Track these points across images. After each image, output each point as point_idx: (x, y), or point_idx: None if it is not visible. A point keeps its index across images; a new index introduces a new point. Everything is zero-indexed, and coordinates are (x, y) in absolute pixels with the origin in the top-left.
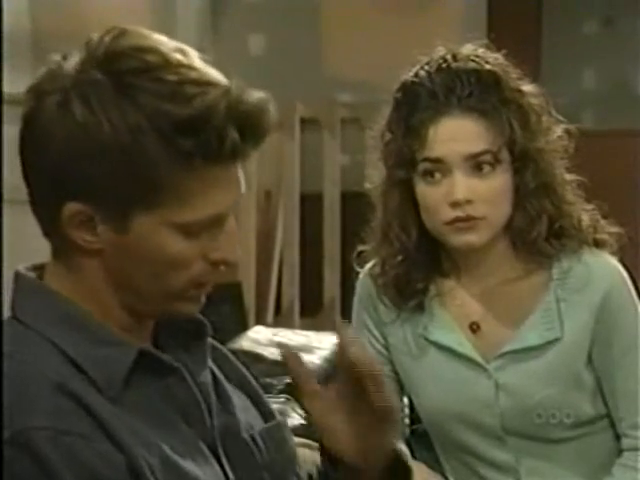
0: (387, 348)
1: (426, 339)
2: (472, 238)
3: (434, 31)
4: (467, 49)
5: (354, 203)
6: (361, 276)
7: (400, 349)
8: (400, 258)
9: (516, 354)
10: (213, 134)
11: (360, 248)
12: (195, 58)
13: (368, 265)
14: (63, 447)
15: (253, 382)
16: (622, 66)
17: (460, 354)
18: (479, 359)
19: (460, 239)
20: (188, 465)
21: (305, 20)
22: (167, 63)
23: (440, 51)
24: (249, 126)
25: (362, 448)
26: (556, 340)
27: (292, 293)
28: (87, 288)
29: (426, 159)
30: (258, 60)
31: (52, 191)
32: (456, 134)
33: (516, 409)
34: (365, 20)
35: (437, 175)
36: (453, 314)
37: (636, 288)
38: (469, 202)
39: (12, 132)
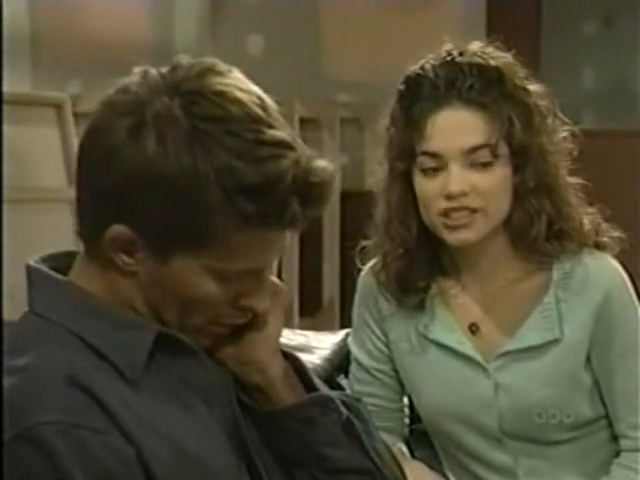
0: (388, 346)
1: (426, 338)
2: (467, 235)
3: (433, 31)
4: (475, 45)
5: (353, 203)
6: (363, 273)
7: (401, 346)
8: (401, 252)
9: (516, 354)
10: (276, 203)
11: (363, 244)
12: (274, 111)
13: (370, 263)
14: (74, 441)
15: None
16: (622, 66)
17: (460, 353)
18: (479, 359)
19: (455, 236)
20: (203, 449)
21: (304, 20)
22: (247, 117)
23: (447, 46)
24: (312, 198)
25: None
26: (556, 341)
27: (291, 293)
28: (117, 293)
29: (424, 153)
30: (257, 60)
31: (102, 209)
32: (454, 126)
33: (515, 409)
34: (364, 20)
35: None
36: (454, 314)
37: (636, 290)
38: (464, 194)
39: (12, 132)
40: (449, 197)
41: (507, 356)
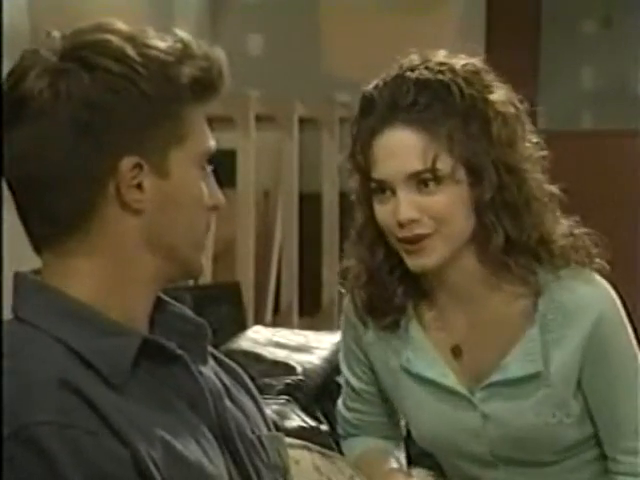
0: (372, 369)
1: (408, 372)
2: (426, 261)
3: (433, 31)
4: (438, 55)
5: (352, 202)
6: (345, 299)
7: (384, 377)
8: (365, 278)
9: (500, 386)
10: (197, 68)
11: (343, 265)
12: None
13: (349, 276)
14: (67, 441)
15: (256, 393)
16: (621, 66)
17: (444, 387)
18: (464, 391)
19: (413, 263)
20: (193, 453)
21: (304, 20)
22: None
23: (408, 58)
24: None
25: None
26: (538, 373)
27: (291, 293)
28: (120, 260)
29: (373, 179)
30: (257, 60)
31: (104, 153)
32: (395, 150)
33: (504, 437)
34: (364, 20)
35: (387, 192)
36: (434, 339)
37: (627, 303)
38: (415, 221)
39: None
40: (400, 225)
41: (492, 388)
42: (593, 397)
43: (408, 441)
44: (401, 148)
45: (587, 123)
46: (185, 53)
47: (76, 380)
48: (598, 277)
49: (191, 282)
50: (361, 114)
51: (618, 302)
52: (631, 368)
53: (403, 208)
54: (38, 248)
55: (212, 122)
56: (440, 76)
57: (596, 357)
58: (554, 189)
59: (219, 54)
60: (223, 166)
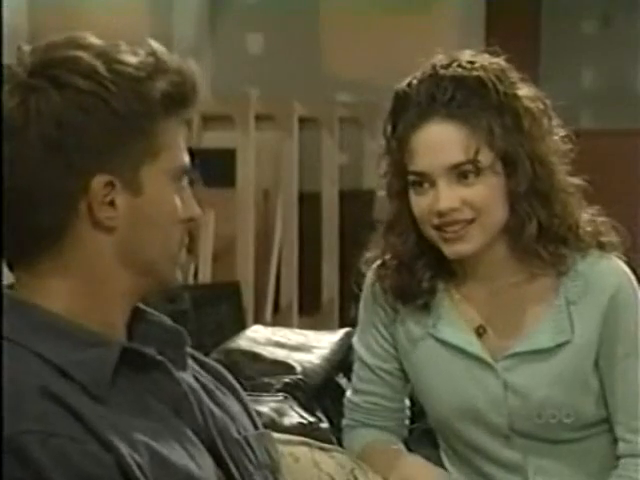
0: (394, 346)
1: (434, 337)
2: (463, 247)
3: (433, 31)
4: (465, 55)
5: (352, 202)
6: (368, 274)
7: (408, 347)
8: (396, 264)
9: (525, 355)
10: (171, 82)
11: (367, 251)
12: None
13: (374, 265)
14: (53, 449)
15: (242, 393)
16: (621, 66)
17: (469, 353)
18: (488, 359)
19: (451, 249)
20: (179, 458)
21: (303, 19)
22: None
23: (437, 57)
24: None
25: None
26: (567, 343)
27: (290, 292)
28: (93, 277)
29: (411, 171)
30: (256, 59)
31: (74, 172)
32: (437, 143)
33: (523, 409)
34: (364, 20)
35: (425, 185)
36: (461, 315)
37: None
38: (454, 210)
39: None
40: (440, 214)
41: (516, 357)
42: (605, 372)
43: (408, 439)
44: (442, 141)
45: (587, 123)
46: (157, 68)
47: (57, 389)
48: (620, 261)
49: (191, 281)
50: (396, 111)
51: (635, 283)
52: (637, 348)
53: (444, 198)
54: (10, 266)
55: (212, 121)
56: (475, 73)
57: (611, 332)
58: (577, 180)
59: (192, 68)
60: (223, 165)
